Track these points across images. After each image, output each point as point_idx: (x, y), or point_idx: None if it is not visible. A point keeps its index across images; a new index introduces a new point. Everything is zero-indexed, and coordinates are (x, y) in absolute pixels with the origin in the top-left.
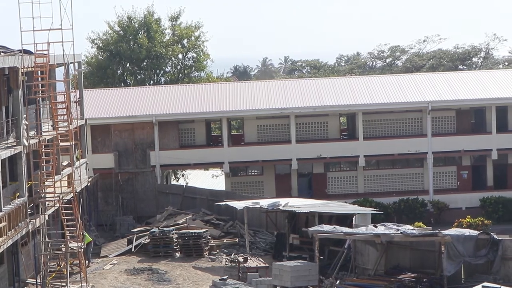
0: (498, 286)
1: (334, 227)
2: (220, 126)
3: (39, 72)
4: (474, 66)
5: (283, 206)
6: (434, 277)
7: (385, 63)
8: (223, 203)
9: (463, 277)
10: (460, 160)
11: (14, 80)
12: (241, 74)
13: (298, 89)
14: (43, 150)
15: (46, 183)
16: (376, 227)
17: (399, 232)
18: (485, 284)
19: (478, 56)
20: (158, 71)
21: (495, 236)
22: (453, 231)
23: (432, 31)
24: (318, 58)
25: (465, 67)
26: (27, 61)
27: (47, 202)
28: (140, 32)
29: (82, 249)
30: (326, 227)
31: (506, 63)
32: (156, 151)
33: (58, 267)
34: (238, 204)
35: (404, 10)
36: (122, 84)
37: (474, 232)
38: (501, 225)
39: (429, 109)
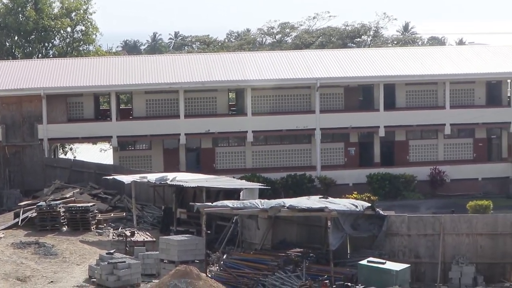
0: (384, 261)
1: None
2: (109, 100)
3: None
4: (363, 44)
5: (170, 181)
6: (320, 251)
7: (274, 40)
8: (111, 177)
9: (349, 252)
10: (348, 137)
11: None
12: (131, 48)
13: (187, 64)
14: None
15: None
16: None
17: (285, 207)
18: (371, 259)
19: (368, 34)
20: (46, 44)
21: (381, 212)
22: (338, 200)
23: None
24: (208, 33)
25: (354, 45)
26: None
27: None
28: (28, 5)
29: None
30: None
31: (395, 42)
32: (44, 124)
33: None
34: (126, 178)
35: None
36: (10, 57)
37: (360, 202)
38: (388, 201)
39: (317, 85)
